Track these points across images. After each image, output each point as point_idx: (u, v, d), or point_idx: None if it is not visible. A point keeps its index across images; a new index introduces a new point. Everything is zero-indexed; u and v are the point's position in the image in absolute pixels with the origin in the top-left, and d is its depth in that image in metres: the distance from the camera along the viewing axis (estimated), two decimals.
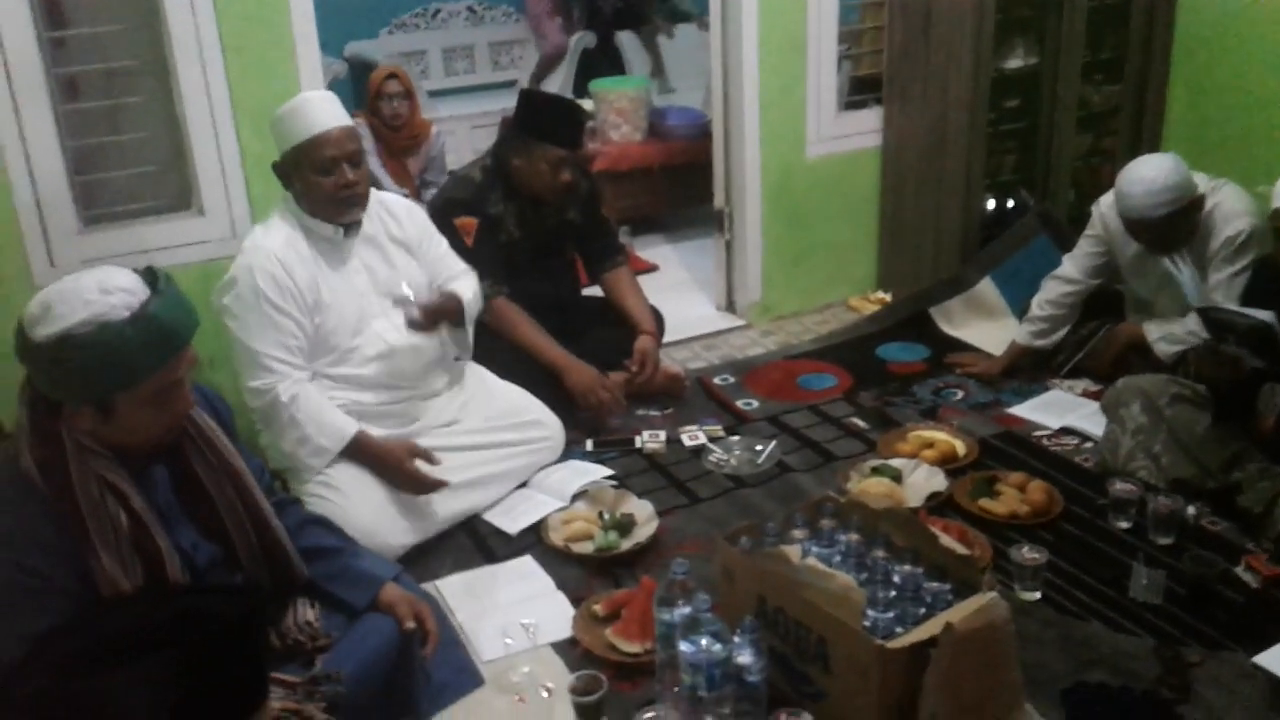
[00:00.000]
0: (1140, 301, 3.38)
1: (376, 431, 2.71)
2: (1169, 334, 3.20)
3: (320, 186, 2.61)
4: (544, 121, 3.21)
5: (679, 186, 5.15)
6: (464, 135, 5.89)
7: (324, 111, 2.60)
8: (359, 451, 2.65)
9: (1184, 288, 2.68)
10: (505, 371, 3.12)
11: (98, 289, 1.64)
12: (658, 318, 3.56)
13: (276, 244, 2.61)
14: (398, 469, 2.67)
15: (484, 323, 3.13)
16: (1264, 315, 2.44)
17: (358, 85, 5.67)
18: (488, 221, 3.22)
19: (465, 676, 2.26)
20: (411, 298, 2.75)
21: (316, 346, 2.67)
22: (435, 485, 2.71)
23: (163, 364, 1.69)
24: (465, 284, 2.93)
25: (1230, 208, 3.05)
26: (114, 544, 1.69)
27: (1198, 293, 2.64)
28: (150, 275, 1.73)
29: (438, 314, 2.79)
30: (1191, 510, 2.70)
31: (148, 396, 1.70)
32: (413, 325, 2.72)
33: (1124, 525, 2.69)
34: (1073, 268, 3.43)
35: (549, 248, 3.41)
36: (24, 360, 1.68)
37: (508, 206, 3.27)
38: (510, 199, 3.27)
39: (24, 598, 1.63)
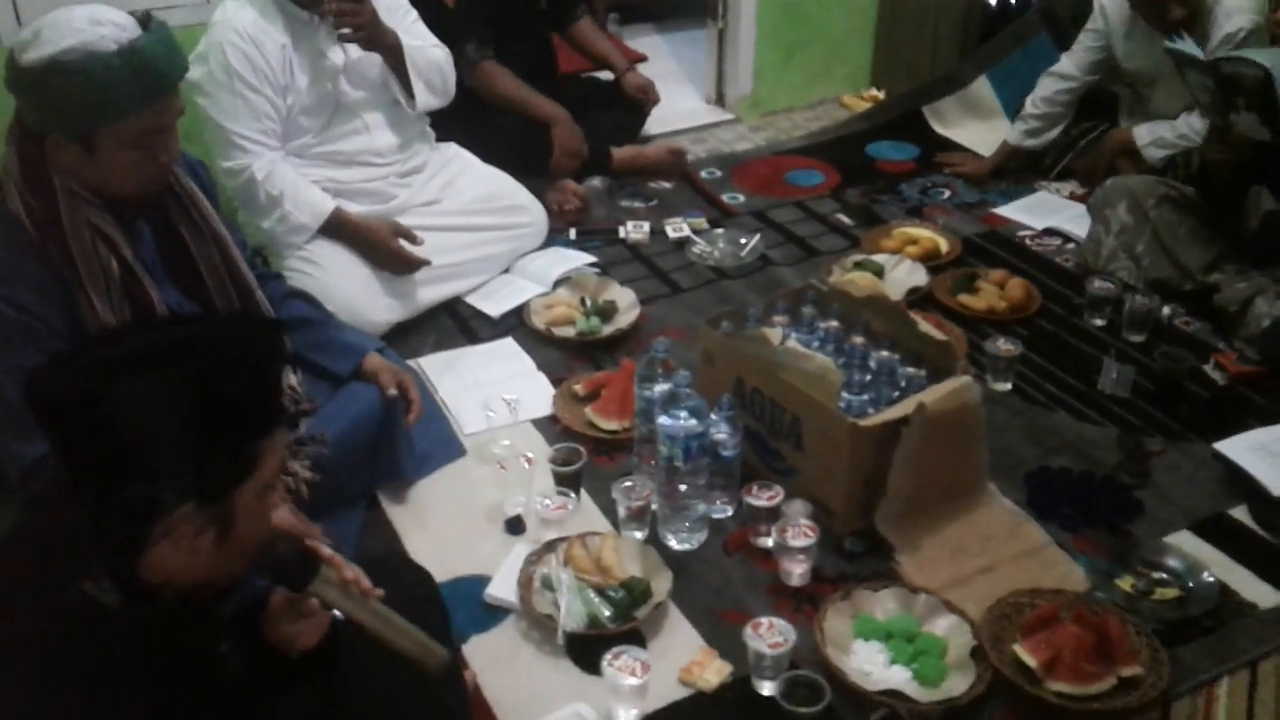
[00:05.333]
0: (1135, 101, 3.33)
1: (354, 208, 2.68)
2: (1159, 138, 3.17)
3: None
4: None
5: None
6: None
7: None
8: (339, 228, 2.63)
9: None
10: (491, 152, 3.08)
11: (88, 20, 1.64)
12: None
13: (248, 20, 2.50)
14: (381, 246, 2.66)
15: (471, 99, 3.05)
16: (1264, 60, 2.38)
17: None
18: None
19: (448, 446, 2.32)
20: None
21: (289, 127, 2.61)
22: (418, 264, 2.70)
23: (147, 103, 1.68)
24: (421, 41, 2.79)
25: (1233, 3, 2.96)
26: (105, 290, 1.71)
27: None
28: (144, 17, 1.72)
29: (371, 20, 2.57)
30: (1167, 310, 2.74)
31: (132, 137, 1.69)
32: (338, 22, 2.54)
33: (1099, 323, 2.73)
34: (1070, 63, 3.36)
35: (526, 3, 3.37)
36: (12, 88, 1.69)
37: None
38: None
39: (14, 333, 1.66)
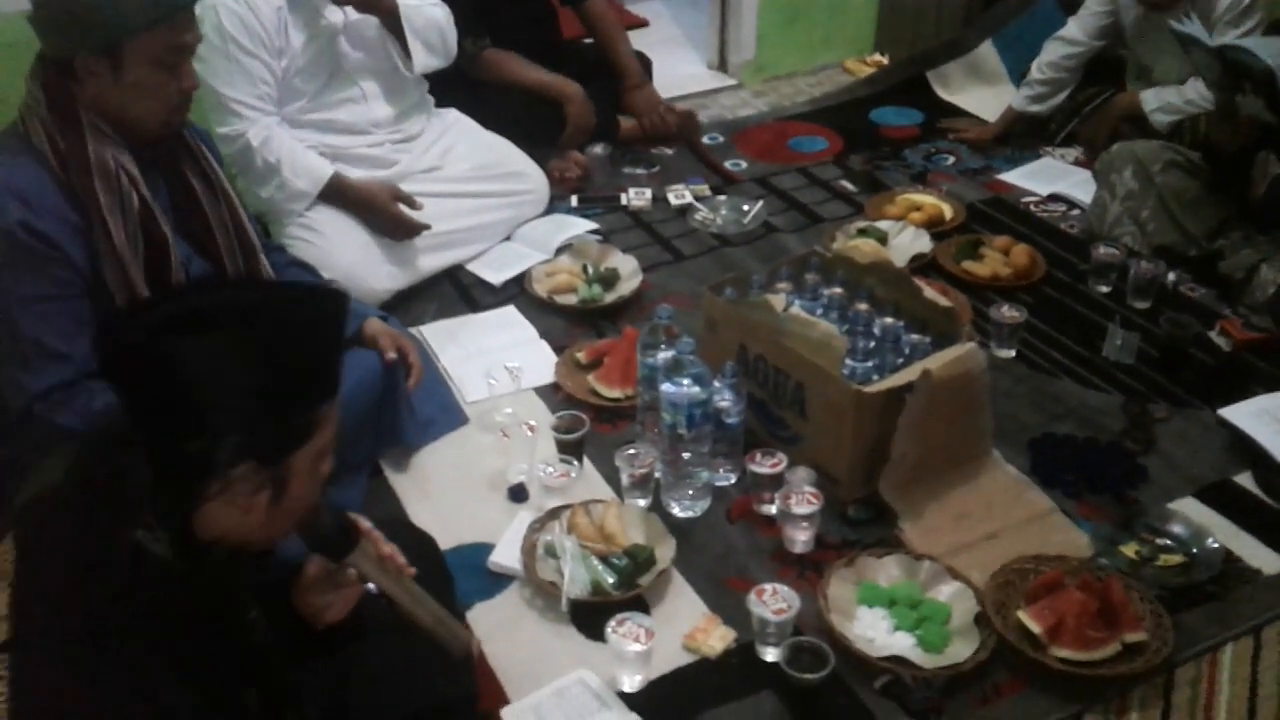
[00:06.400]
0: (1141, 67, 3.30)
1: (353, 174, 2.66)
2: (1166, 104, 3.14)
3: None
4: None
5: None
6: None
7: None
8: (338, 193, 2.61)
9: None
10: (497, 123, 3.05)
11: None
12: (643, 63, 3.52)
13: None
14: (381, 211, 2.64)
15: (475, 78, 3.04)
16: (1268, 58, 2.37)
17: None
18: None
19: (450, 414, 2.31)
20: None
21: (284, 90, 2.58)
22: (418, 228, 2.68)
23: (169, 16, 1.72)
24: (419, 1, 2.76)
25: None
26: (123, 222, 1.74)
27: (1206, 37, 2.57)
28: None
29: None
30: (1172, 276, 2.72)
31: (157, 53, 1.73)
32: None
33: (1104, 289, 2.72)
34: (1076, 28, 3.33)
35: None
36: (35, 20, 1.73)
37: None
38: None
39: (32, 262, 1.69)
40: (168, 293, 1.19)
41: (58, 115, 1.72)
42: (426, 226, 2.69)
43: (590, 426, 2.19)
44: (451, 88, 2.96)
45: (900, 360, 2.12)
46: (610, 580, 1.87)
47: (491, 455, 2.21)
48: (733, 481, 2.14)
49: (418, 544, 1.69)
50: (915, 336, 2.13)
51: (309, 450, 1.17)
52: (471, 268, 2.85)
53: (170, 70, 1.76)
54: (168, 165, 1.87)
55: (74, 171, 1.71)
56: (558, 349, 2.54)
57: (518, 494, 2.11)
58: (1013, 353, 2.49)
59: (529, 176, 3.00)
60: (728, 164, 3.44)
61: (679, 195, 3.22)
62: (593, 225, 3.02)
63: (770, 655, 1.76)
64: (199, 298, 1.21)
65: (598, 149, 3.35)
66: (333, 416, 1.20)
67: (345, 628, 1.36)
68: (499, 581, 1.94)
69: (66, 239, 1.70)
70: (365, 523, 1.34)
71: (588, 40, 3.57)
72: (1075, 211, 3.11)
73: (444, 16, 2.79)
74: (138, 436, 1.12)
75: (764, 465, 2.03)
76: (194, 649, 1.13)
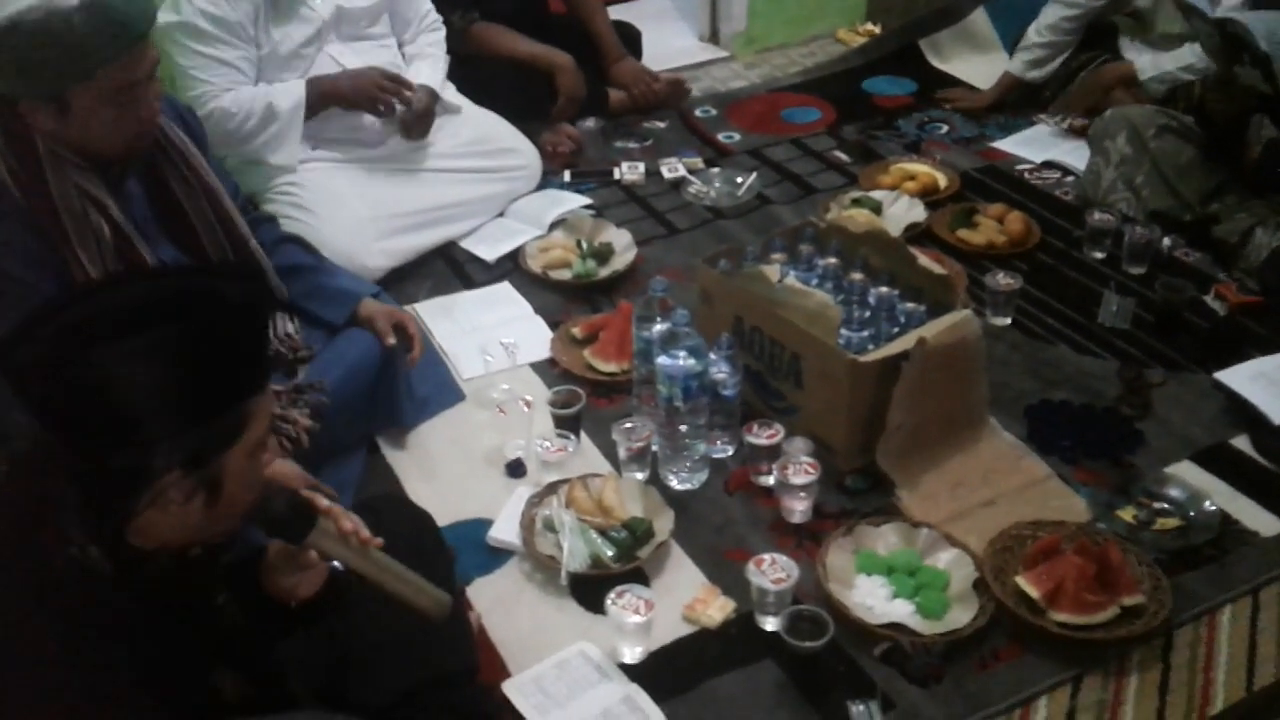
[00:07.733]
0: (1138, 23, 3.26)
1: (341, 155, 2.68)
2: (1162, 72, 3.12)
3: None
4: None
5: None
6: None
7: None
8: (324, 96, 2.58)
9: None
10: (487, 97, 3.05)
11: None
12: (630, 35, 3.53)
13: None
14: (368, 81, 2.60)
15: (464, 53, 3.04)
16: (1265, 46, 2.37)
17: None
18: None
19: (446, 392, 2.31)
20: (411, 106, 2.66)
21: (267, 73, 2.57)
22: (407, 84, 2.66)
23: (115, 57, 1.61)
24: (429, 60, 2.82)
25: None
26: (98, 254, 1.68)
27: (1208, 6, 2.55)
28: None
29: (427, 114, 2.71)
30: (1167, 241, 2.71)
31: (106, 94, 1.63)
32: (408, 135, 2.68)
33: (1099, 255, 2.71)
34: None
35: None
36: None
37: None
38: None
39: (3, 304, 1.62)
40: (69, 296, 1.10)
41: (13, 144, 1.64)
42: (410, 86, 2.66)
43: (586, 401, 2.19)
44: None
45: (896, 329, 2.12)
46: (609, 553, 1.87)
47: (488, 431, 2.21)
48: (730, 453, 2.14)
49: (416, 521, 1.69)
50: (910, 305, 2.12)
51: (241, 448, 1.10)
52: (465, 244, 2.84)
53: (124, 106, 1.65)
54: (143, 170, 1.81)
55: (37, 204, 1.64)
56: (553, 324, 2.53)
57: (515, 469, 2.12)
58: (1008, 320, 2.49)
59: (521, 152, 2.99)
60: (721, 137, 3.43)
61: (672, 169, 3.20)
62: (586, 200, 3.01)
63: (770, 624, 1.77)
64: (100, 298, 1.11)
65: (589, 123, 3.34)
66: (264, 409, 1.13)
67: (322, 600, 1.32)
68: (498, 556, 1.94)
69: (37, 275, 1.64)
70: (323, 501, 1.29)
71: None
72: (1070, 178, 3.09)
73: (442, 38, 2.87)
74: (57, 456, 1.05)
75: (761, 436, 2.03)
76: (154, 648, 1.09)
